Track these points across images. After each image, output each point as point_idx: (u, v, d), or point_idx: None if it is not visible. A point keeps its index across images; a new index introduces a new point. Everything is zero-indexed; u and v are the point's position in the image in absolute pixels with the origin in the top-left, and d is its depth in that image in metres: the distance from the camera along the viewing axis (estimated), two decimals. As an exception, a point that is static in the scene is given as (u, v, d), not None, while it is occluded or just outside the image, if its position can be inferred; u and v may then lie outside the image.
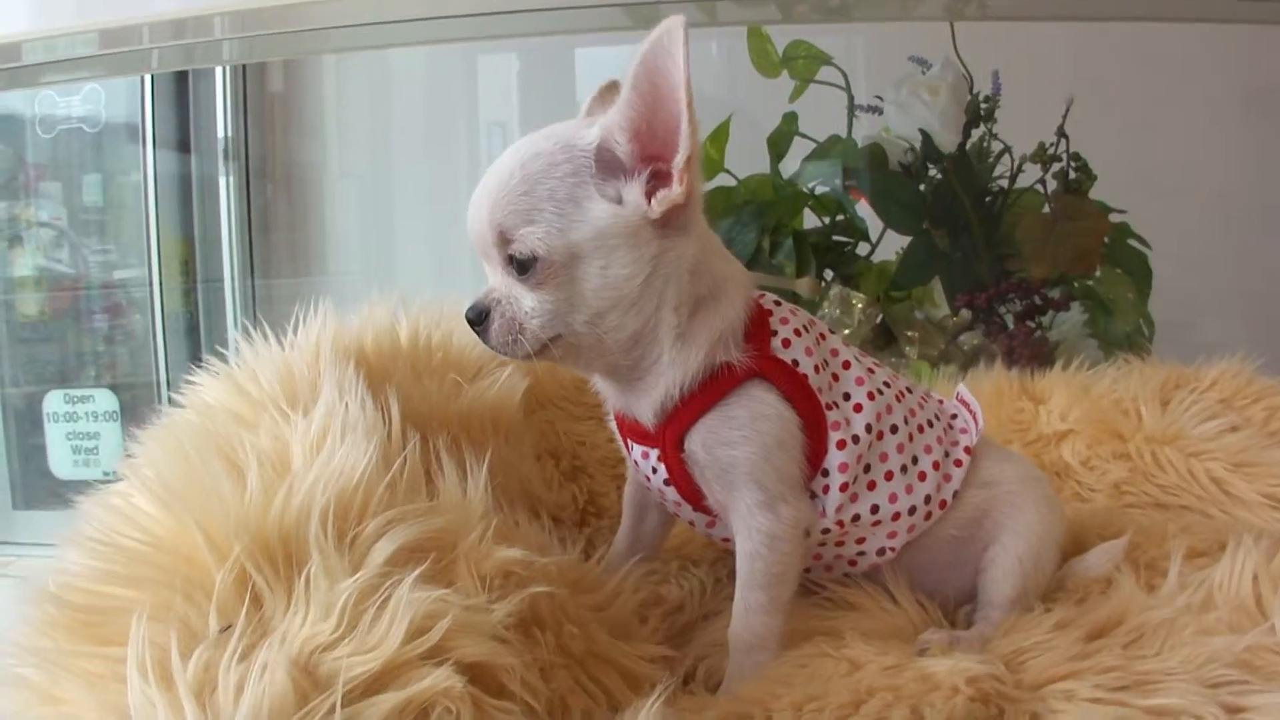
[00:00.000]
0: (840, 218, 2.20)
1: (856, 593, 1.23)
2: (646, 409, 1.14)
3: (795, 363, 1.14)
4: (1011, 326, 2.01)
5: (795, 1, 2.12)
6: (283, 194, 2.84)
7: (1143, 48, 2.40)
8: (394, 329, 1.37)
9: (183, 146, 2.61)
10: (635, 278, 1.07)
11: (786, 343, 1.15)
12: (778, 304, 1.20)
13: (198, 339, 2.65)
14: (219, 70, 2.62)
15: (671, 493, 1.19)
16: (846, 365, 1.21)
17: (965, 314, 2.06)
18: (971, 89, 2.07)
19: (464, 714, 0.82)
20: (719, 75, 2.59)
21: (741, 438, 1.11)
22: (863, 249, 2.23)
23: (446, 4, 2.01)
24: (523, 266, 1.06)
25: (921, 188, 2.12)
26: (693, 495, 1.18)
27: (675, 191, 1.04)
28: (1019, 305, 2.01)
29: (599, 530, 1.47)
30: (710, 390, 1.11)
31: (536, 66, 3.00)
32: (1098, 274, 2.10)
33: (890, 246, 2.21)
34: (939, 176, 2.11)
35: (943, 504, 1.23)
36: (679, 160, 1.03)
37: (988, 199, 2.12)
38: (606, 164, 1.06)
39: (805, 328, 1.19)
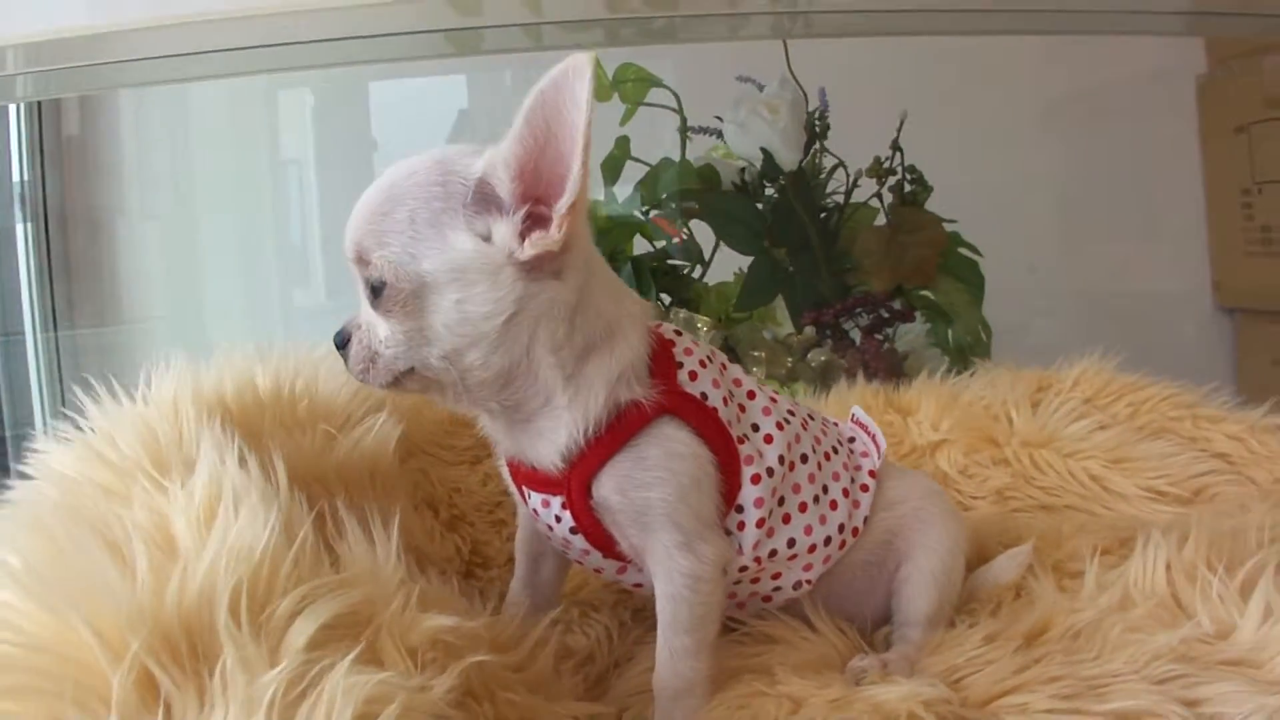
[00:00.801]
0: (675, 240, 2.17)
1: (774, 624, 1.18)
2: (549, 453, 1.06)
3: (704, 395, 1.09)
4: (859, 341, 2.02)
5: (620, 25, 2.08)
6: (84, 239, 2.61)
7: (963, 59, 2.49)
8: (253, 379, 1.24)
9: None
10: (494, 317, 0.99)
11: (693, 375, 1.10)
12: (678, 334, 1.14)
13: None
14: (12, 111, 2.40)
15: (579, 541, 1.11)
16: (751, 395, 1.17)
17: (809, 331, 2.06)
18: (807, 106, 2.08)
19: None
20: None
21: (655, 479, 1.05)
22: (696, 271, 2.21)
23: (244, 35, 1.88)
24: (375, 291, 0.99)
25: (759, 206, 2.11)
26: (603, 542, 1.10)
27: (552, 237, 0.96)
28: (866, 319, 2.02)
29: (488, 582, 1.37)
30: (618, 431, 1.04)
31: (331, 102, 2.90)
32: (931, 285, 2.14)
33: (724, 267, 2.20)
34: (775, 195, 2.10)
35: (855, 531, 1.20)
36: (562, 204, 0.95)
37: (823, 215, 2.13)
38: (485, 197, 0.98)
39: (709, 358, 1.14)
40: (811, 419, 1.24)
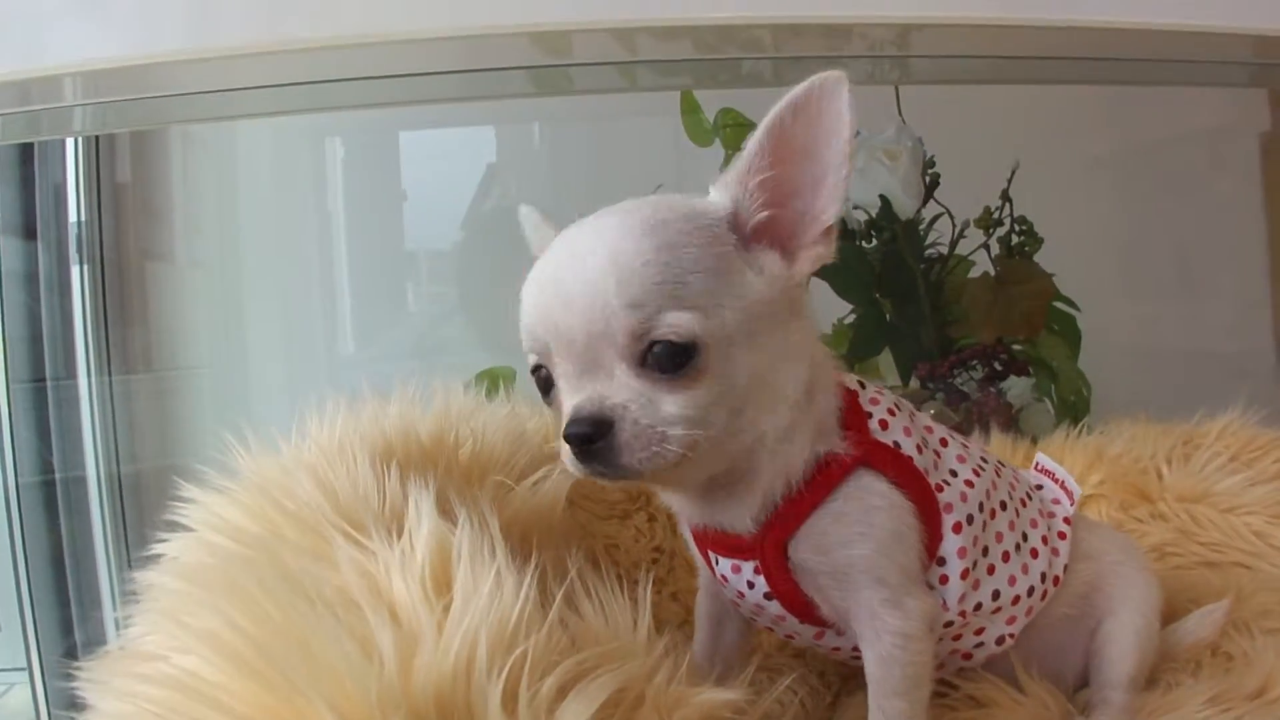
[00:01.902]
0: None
1: (982, 686, 1.12)
2: (742, 517, 0.99)
3: (897, 444, 1.03)
4: (974, 393, 1.96)
5: (715, 68, 2.03)
6: (134, 285, 2.55)
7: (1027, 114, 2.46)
8: (414, 425, 1.15)
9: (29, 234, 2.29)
10: (779, 364, 0.94)
11: (884, 424, 1.04)
12: (861, 384, 1.09)
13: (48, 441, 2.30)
14: (70, 153, 2.34)
15: (773, 607, 1.04)
16: (944, 443, 1.11)
17: (914, 384, 2.00)
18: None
19: None
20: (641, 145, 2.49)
21: (858, 535, 0.98)
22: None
23: (299, 70, 1.83)
24: (675, 360, 0.87)
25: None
26: (800, 608, 1.04)
27: (828, 251, 0.93)
28: (980, 371, 1.95)
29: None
30: (817, 487, 0.98)
31: (362, 152, 2.85)
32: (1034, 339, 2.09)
33: (823, 319, 2.14)
34: (878, 245, 2.05)
35: (1056, 580, 1.14)
36: (830, 216, 0.92)
37: (923, 265, 2.07)
38: (738, 230, 0.93)
39: (897, 406, 1.08)
40: (1003, 465, 1.18)
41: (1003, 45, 1.86)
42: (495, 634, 0.74)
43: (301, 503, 0.95)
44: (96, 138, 2.36)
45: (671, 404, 0.87)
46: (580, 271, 0.87)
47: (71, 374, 2.35)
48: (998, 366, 1.96)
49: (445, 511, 0.92)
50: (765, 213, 0.92)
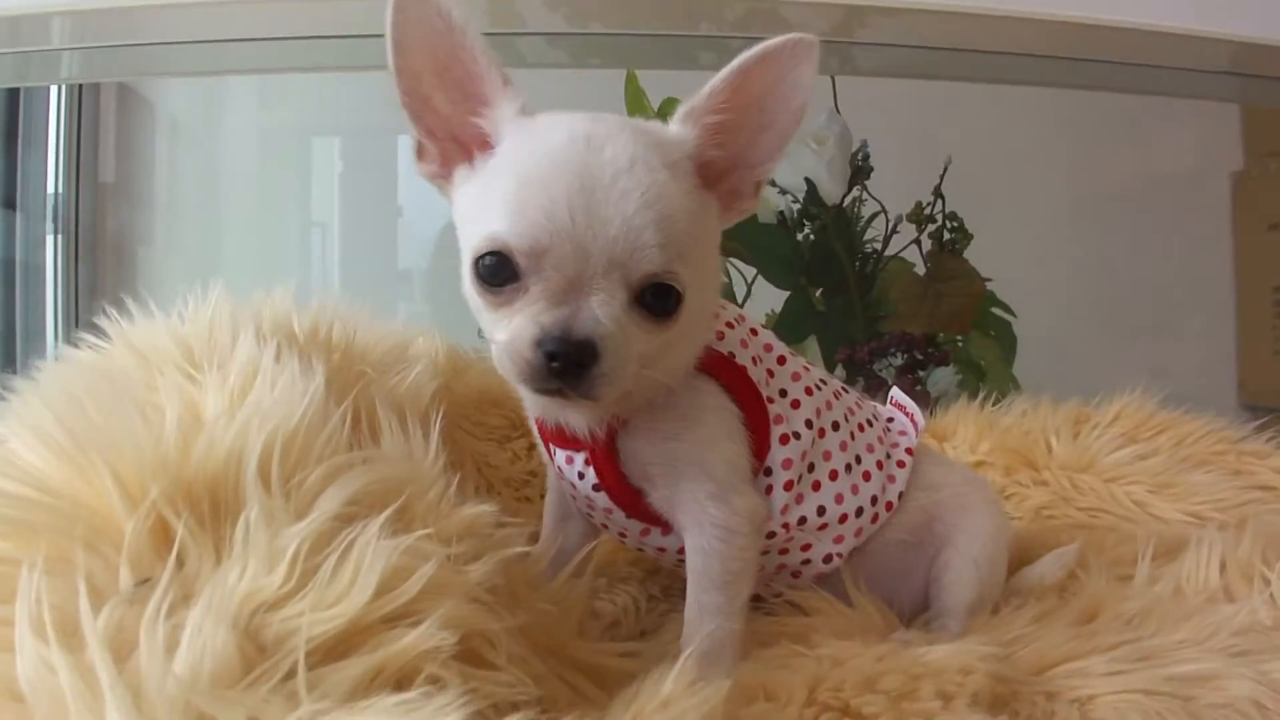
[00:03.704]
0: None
1: (809, 596, 1.12)
2: (586, 419, 1.02)
3: (731, 355, 1.06)
4: (892, 381, 1.99)
5: (666, 56, 2.09)
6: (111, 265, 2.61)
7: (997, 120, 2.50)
8: (290, 318, 1.20)
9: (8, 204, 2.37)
10: (705, 309, 0.99)
11: (720, 335, 1.07)
12: None
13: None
14: (51, 138, 2.39)
15: (601, 499, 1.07)
16: (781, 360, 1.14)
17: (840, 372, 2.03)
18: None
19: (450, 685, 0.67)
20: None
21: (683, 427, 1.02)
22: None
23: (288, 24, 1.88)
24: (665, 305, 0.89)
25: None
26: (626, 499, 1.06)
27: (752, 204, 0.98)
28: (900, 359, 1.99)
29: (513, 552, 1.31)
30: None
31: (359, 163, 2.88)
32: (964, 337, 2.12)
33: (756, 308, 2.18)
34: (812, 235, 2.10)
35: (889, 505, 1.16)
36: (768, 171, 0.96)
37: (857, 260, 2.12)
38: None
39: (736, 321, 1.11)
40: (845, 391, 1.21)
41: (948, 36, 1.91)
42: (272, 424, 0.79)
43: (156, 349, 1.00)
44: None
45: (640, 341, 0.89)
46: (616, 198, 0.85)
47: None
48: (919, 356, 2.00)
49: (279, 357, 0.96)
50: (710, 153, 0.94)
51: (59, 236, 2.44)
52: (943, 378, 2.06)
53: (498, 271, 0.88)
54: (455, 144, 0.97)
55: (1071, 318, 2.65)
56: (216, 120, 2.73)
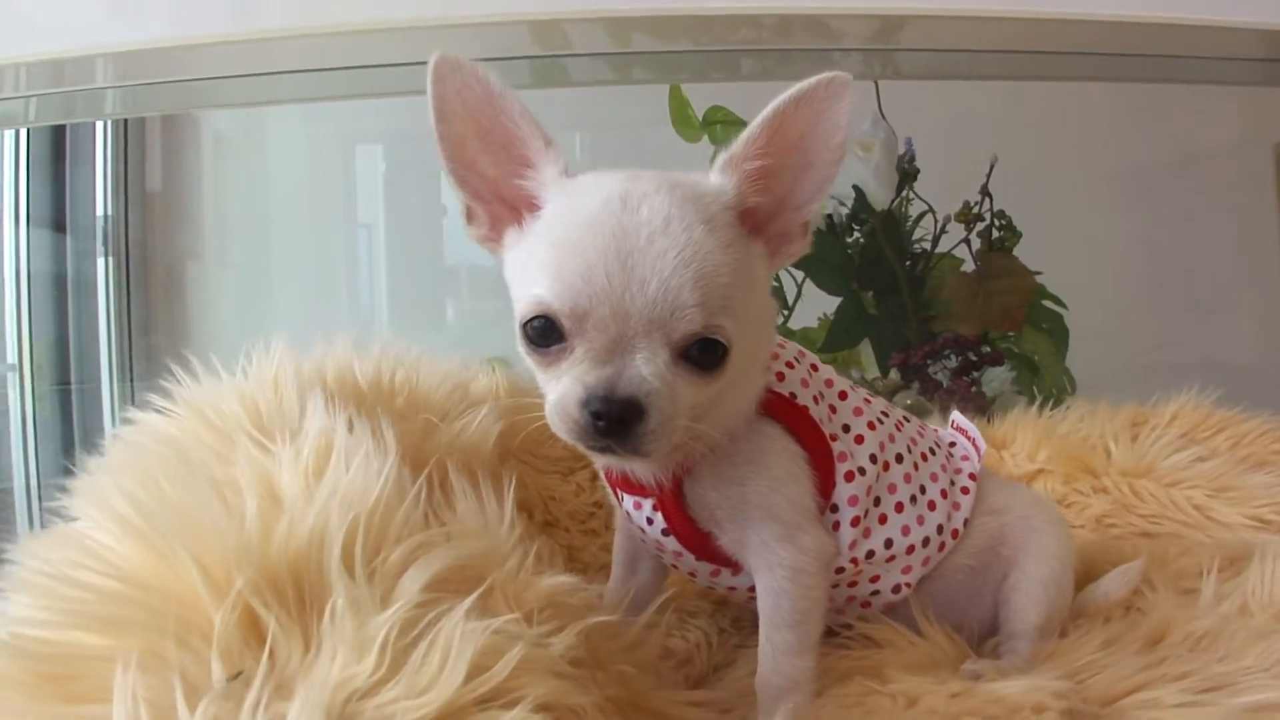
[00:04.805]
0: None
1: (880, 628, 1.13)
2: (650, 469, 1.03)
3: (793, 395, 1.07)
4: (947, 383, 1.99)
5: (708, 68, 2.09)
6: (160, 289, 2.65)
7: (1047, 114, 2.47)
8: (353, 367, 1.22)
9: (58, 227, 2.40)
10: (757, 355, 1.00)
11: (780, 376, 1.08)
12: None
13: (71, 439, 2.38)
14: (99, 156, 2.44)
15: (671, 542, 1.08)
16: (843, 396, 1.14)
17: (894, 375, 2.03)
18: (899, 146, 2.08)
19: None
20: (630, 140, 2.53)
21: (749, 472, 1.03)
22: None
23: (327, 56, 1.90)
24: (711, 359, 0.89)
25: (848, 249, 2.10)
26: (696, 543, 1.07)
27: (806, 245, 0.98)
28: (954, 361, 1.98)
29: (584, 585, 1.33)
30: None
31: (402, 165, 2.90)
32: (1017, 333, 2.11)
33: (808, 312, 2.18)
34: (862, 239, 2.09)
35: (955, 533, 1.16)
36: (812, 211, 0.96)
37: (907, 262, 2.11)
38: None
39: (797, 359, 1.12)
40: (907, 421, 1.21)
41: (992, 39, 1.89)
42: (352, 509, 0.81)
43: (224, 415, 1.02)
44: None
45: (687, 395, 0.89)
46: (653, 258, 0.86)
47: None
48: (973, 357, 1.99)
49: (351, 426, 0.98)
50: (752, 200, 0.94)
51: (109, 258, 2.49)
52: (997, 377, 2.05)
53: (545, 334, 0.89)
54: (504, 206, 0.98)
55: (1122, 302, 2.63)
56: (261, 133, 2.79)
